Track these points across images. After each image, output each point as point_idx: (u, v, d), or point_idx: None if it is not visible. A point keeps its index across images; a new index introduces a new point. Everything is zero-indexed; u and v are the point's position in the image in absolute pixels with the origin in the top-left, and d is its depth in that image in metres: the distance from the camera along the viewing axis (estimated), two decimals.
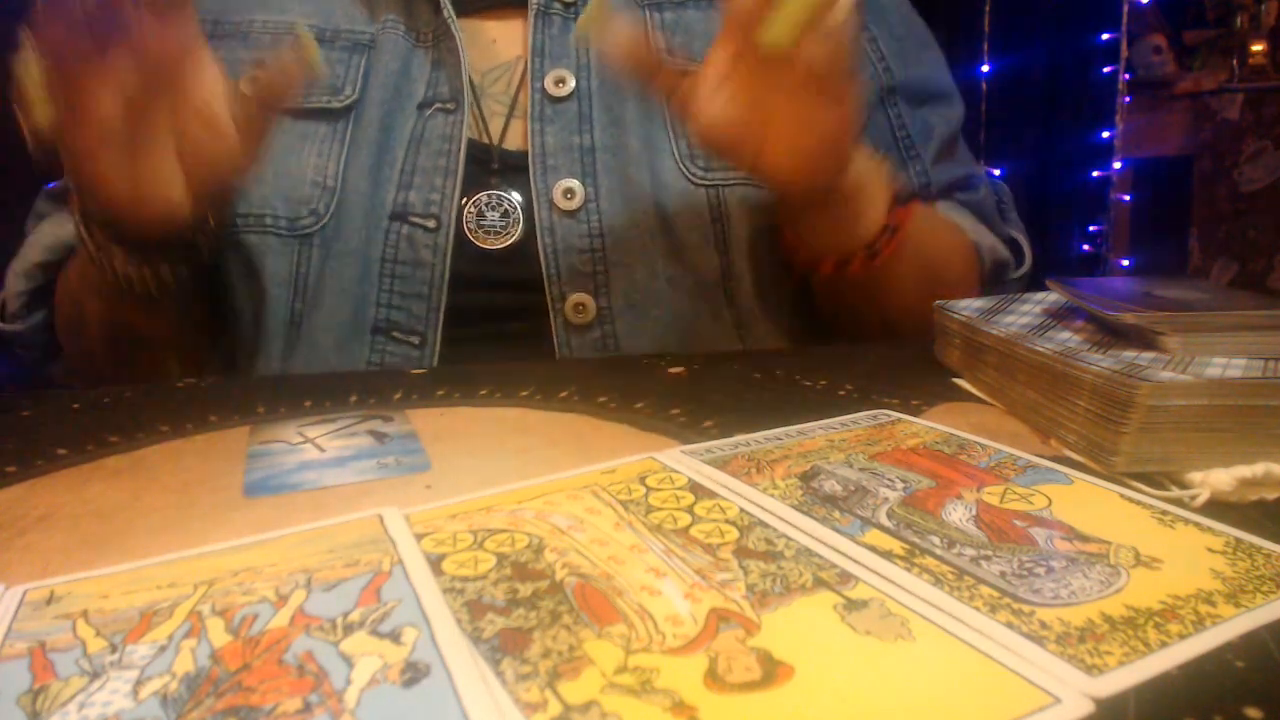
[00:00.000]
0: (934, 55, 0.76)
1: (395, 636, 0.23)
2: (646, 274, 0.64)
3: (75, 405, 0.49)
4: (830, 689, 0.21)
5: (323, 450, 0.40)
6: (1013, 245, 0.77)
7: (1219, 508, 0.32)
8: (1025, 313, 0.49)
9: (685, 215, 0.64)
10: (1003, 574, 0.26)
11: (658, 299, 0.65)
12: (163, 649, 0.23)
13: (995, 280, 0.74)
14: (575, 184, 0.63)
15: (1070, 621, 0.24)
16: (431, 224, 0.62)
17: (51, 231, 0.71)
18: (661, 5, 0.67)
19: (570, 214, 0.63)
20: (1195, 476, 0.33)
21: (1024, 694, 0.21)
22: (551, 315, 0.63)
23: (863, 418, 0.42)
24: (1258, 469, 0.33)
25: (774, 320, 0.67)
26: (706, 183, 0.64)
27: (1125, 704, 0.21)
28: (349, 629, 0.24)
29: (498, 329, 0.64)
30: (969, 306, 0.52)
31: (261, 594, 0.26)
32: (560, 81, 0.65)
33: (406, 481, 0.36)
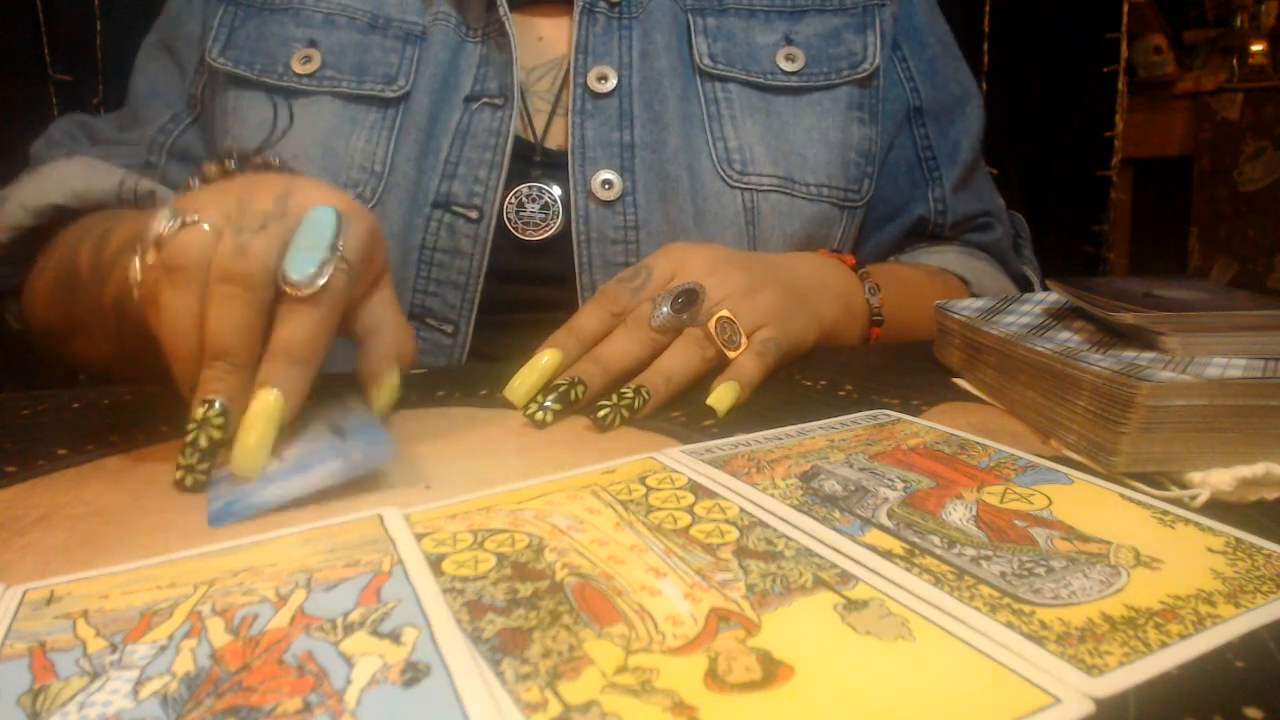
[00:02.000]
0: (961, 68, 0.77)
1: (395, 637, 0.23)
2: None
3: (75, 405, 0.49)
4: (830, 689, 0.21)
5: (282, 460, 0.36)
6: (1025, 282, 0.77)
7: (1219, 508, 0.32)
8: (1025, 313, 0.49)
9: (719, 216, 0.65)
10: (1003, 574, 0.26)
11: None
12: (163, 649, 0.23)
13: None
14: (613, 176, 0.64)
15: (1070, 621, 0.24)
16: (474, 214, 0.63)
17: (83, 177, 0.64)
18: (704, 11, 0.68)
19: (607, 205, 0.64)
20: (1195, 476, 0.33)
21: (1024, 694, 0.21)
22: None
23: (863, 417, 0.42)
24: (1258, 469, 0.33)
25: None
26: (742, 185, 0.65)
27: (1125, 704, 0.21)
28: (349, 629, 0.24)
29: (530, 319, 0.64)
30: (969, 307, 0.52)
31: (261, 594, 0.26)
32: (603, 78, 0.66)
33: (402, 481, 0.36)
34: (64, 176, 0.65)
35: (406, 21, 0.67)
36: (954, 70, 0.76)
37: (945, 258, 0.73)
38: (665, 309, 0.47)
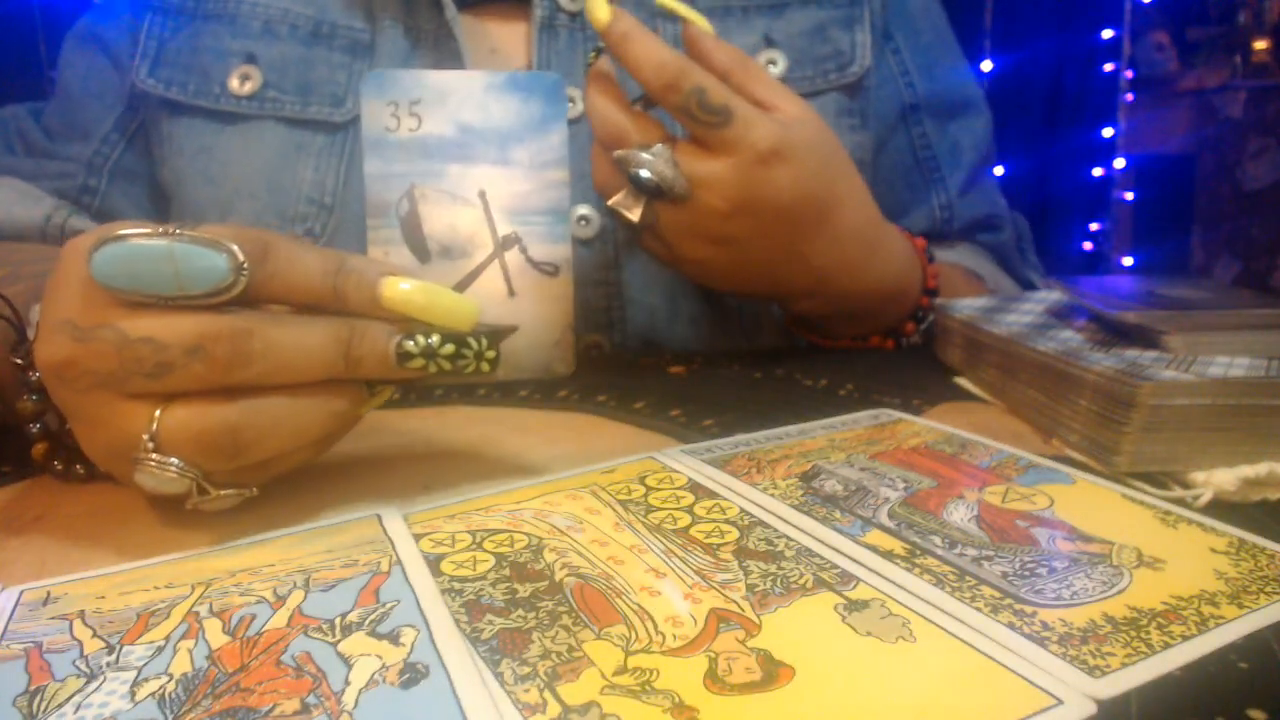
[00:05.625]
0: (961, 63, 0.72)
1: (394, 637, 0.23)
2: (668, 312, 0.61)
3: None
4: (831, 690, 0.21)
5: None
6: (1030, 287, 0.74)
7: (1222, 508, 0.32)
8: (1027, 312, 0.49)
9: None
10: (1004, 574, 0.26)
11: (676, 338, 0.61)
12: (160, 650, 0.23)
13: None
14: (589, 211, 0.59)
15: (1072, 622, 0.23)
16: None
17: (8, 204, 0.59)
18: (675, 17, 0.62)
19: (585, 243, 0.59)
20: (1198, 476, 0.33)
21: (1026, 695, 0.20)
22: None
23: (864, 417, 0.42)
24: (1261, 469, 0.33)
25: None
26: None
27: (1127, 705, 0.21)
28: (347, 630, 0.24)
29: None
30: (970, 306, 0.51)
31: (259, 594, 0.26)
32: (569, 101, 0.59)
33: (401, 481, 0.36)
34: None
35: (353, 29, 0.61)
36: (952, 64, 0.71)
37: (959, 254, 0.69)
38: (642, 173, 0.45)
